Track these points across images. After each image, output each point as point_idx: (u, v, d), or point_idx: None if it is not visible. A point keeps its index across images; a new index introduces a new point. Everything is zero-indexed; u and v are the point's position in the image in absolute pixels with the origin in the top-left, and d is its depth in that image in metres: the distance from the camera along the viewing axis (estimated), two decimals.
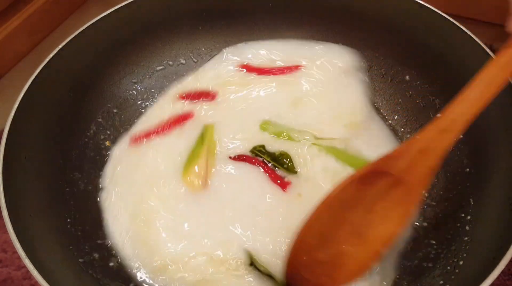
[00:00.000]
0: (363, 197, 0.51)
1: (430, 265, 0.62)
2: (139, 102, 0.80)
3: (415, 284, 0.60)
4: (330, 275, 0.52)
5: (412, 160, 0.49)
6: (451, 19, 0.70)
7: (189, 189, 0.68)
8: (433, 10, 0.72)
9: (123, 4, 0.75)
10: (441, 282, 0.58)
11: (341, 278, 0.52)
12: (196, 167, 0.69)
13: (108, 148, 0.75)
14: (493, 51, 0.67)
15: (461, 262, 0.58)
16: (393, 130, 0.77)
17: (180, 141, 0.73)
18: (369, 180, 0.50)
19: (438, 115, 0.51)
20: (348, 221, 0.51)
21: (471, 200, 0.64)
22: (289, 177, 0.69)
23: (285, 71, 0.79)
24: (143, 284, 0.62)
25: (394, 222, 0.50)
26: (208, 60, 0.83)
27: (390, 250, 0.56)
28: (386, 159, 0.51)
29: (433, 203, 0.68)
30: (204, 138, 0.73)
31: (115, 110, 0.78)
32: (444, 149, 0.50)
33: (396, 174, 0.50)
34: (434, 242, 0.64)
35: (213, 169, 0.70)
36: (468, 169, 0.67)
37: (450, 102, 0.51)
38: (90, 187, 0.70)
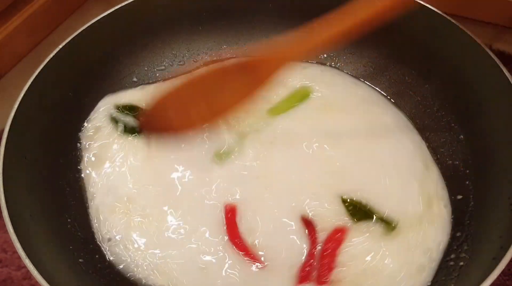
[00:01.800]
0: (222, 79, 0.62)
1: None
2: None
3: None
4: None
5: (271, 63, 0.60)
6: (451, 19, 0.71)
7: None
8: (433, 10, 0.72)
9: (123, 4, 0.75)
10: (442, 282, 0.58)
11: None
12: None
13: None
14: (493, 51, 0.67)
15: (461, 263, 0.59)
16: None
17: None
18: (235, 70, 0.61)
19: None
20: (204, 94, 0.63)
21: (471, 200, 0.65)
22: None
23: None
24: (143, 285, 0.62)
25: (238, 98, 0.62)
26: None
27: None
28: (257, 58, 0.60)
29: None
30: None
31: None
32: (290, 61, 0.61)
33: (255, 69, 0.60)
34: None
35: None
36: (468, 170, 0.68)
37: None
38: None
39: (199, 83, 0.62)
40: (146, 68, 0.82)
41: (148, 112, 0.65)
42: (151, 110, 0.64)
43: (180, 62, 0.84)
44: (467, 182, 0.66)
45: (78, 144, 0.72)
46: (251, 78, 0.61)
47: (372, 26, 0.56)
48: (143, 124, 0.70)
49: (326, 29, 0.58)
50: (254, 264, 0.62)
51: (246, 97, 0.62)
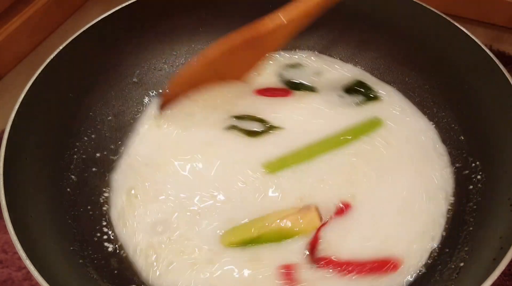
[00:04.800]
0: (232, 56, 0.72)
1: (431, 265, 0.62)
2: (139, 103, 0.80)
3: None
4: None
5: (275, 31, 0.70)
6: (451, 19, 0.71)
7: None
8: (433, 11, 0.72)
9: (123, 5, 0.75)
10: (442, 283, 0.58)
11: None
12: None
13: (110, 149, 0.74)
14: (493, 51, 0.67)
15: (461, 264, 0.59)
16: None
17: None
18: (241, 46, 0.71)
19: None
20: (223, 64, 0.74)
21: (471, 200, 0.65)
22: None
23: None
24: None
25: (252, 60, 0.76)
26: None
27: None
28: (257, 31, 0.70)
29: None
30: None
31: (115, 111, 0.78)
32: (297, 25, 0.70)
33: (260, 37, 0.70)
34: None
35: None
36: (467, 171, 0.68)
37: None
38: (90, 188, 0.70)
39: (212, 63, 0.73)
40: (146, 69, 0.82)
41: (169, 91, 0.76)
42: (171, 89, 0.76)
43: (181, 62, 0.84)
44: (467, 183, 0.66)
45: (77, 144, 0.72)
46: (257, 50, 0.73)
47: None
48: (164, 102, 0.77)
49: None
50: None
51: (254, 66, 0.76)
